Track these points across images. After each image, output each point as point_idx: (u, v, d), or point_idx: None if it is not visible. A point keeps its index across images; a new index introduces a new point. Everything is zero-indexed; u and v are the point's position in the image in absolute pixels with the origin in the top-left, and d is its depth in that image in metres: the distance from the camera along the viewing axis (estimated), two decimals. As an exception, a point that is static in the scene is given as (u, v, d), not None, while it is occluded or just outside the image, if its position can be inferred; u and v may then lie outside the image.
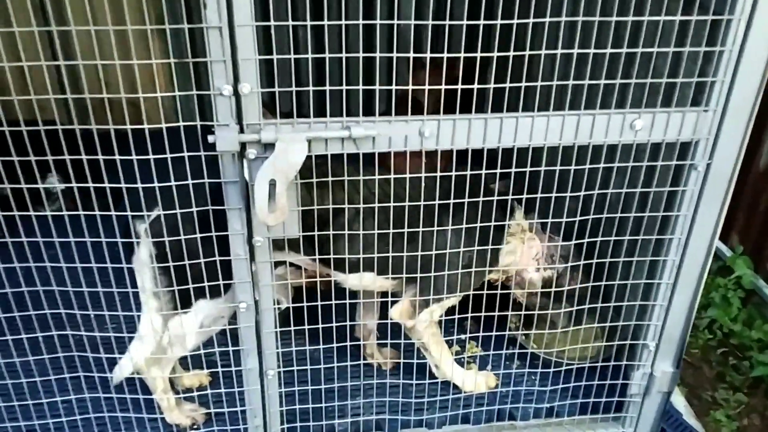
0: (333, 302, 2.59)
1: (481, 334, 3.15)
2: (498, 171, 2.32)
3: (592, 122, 2.17)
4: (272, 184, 2.03)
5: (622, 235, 2.50)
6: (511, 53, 2.04)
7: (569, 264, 2.89)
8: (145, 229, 2.47)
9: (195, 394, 2.90)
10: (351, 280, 2.83)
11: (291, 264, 2.86)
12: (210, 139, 2.00)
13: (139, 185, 2.17)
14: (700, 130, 2.23)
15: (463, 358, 3.25)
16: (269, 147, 2.04)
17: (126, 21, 1.85)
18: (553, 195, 2.33)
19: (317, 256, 2.53)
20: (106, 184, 2.12)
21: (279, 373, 2.56)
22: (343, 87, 2.03)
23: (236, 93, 1.98)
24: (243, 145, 2.05)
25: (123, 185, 2.12)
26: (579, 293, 2.70)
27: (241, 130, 2.04)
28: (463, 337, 3.35)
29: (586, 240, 2.47)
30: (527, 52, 2.05)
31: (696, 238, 2.44)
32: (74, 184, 2.16)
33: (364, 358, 3.27)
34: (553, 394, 2.96)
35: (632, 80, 2.13)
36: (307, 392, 2.73)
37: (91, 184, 2.15)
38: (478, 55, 2.02)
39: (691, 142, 2.27)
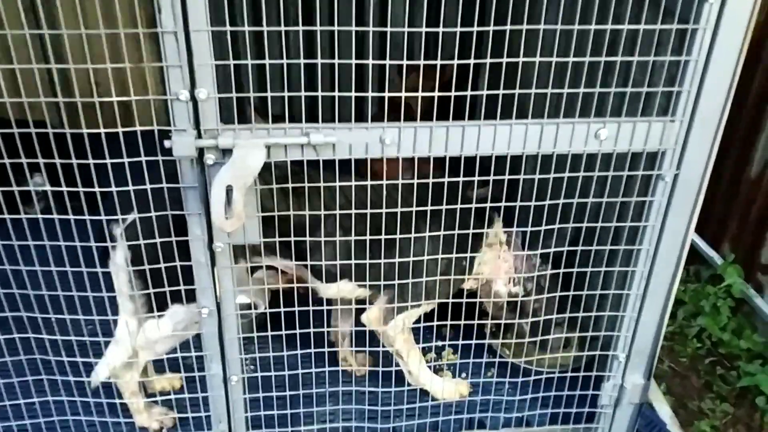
0: (310, 308, 2.56)
1: (460, 342, 3.11)
2: (463, 179, 2.31)
3: (556, 131, 2.15)
4: (230, 190, 2.02)
5: (591, 245, 2.47)
6: (471, 60, 2.02)
7: (539, 280, 2.87)
8: (121, 233, 2.46)
9: (158, 398, 2.87)
10: (329, 290, 2.82)
11: (269, 267, 2.84)
12: (166, 144, 1.98)
13: (114, 189, 2.15)
14: (667, 140, 2.21)
15: (439, 365, 3.23)
16: (228, 152, 2.02)
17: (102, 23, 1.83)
18: (517, 204, 2.31)
19: (294, 263, 2.52)
20: (80, 188, 2.12)
21: (243, 379, 2.55)
22: (312, 93, 2.02)
23: (194, 98, 1.96)
24: (201, 151, 2.04)
25: (96, 189, 2.11)
26: (548, 303, 2.68)
27: (200, 135, 2.02)
28: (440, 343, 3.33)
29: (552, 249, 2.44)
30: (487, 60, 2.02)
31: (665, 249, 2.41)
32: (48, 187, 2.16)
33: (339, 365, 3.25)
34: (525, 404, 2.94)
35: (596, 89, 2.10)
36: (276, 398, 2.71)
37: (64, 188, 2.15)
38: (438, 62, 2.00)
39: (658, 152, 2.24)
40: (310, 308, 2.54)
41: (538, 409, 2.94)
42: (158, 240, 2.25)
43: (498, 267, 3.04)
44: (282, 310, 2.61)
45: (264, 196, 2.26)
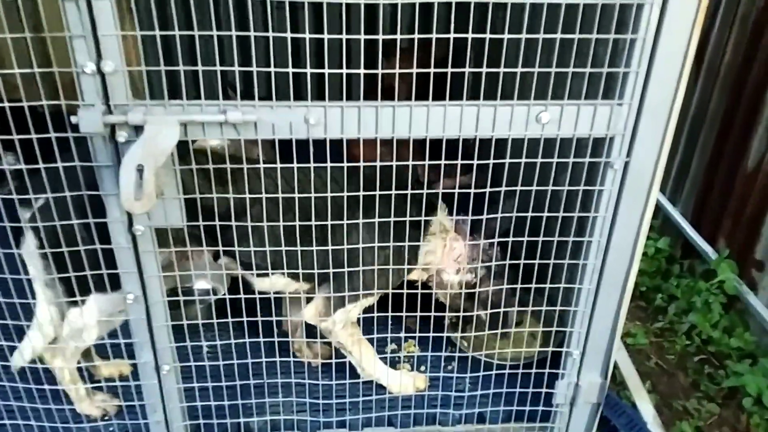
0: (257, 296, 2.45)
1: (417, 334, 3.00)
2: (407, 163, 2.18)
3: (494, 114, 2.01)
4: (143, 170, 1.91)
5: (540, 236, 2.33)
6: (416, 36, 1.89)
7: (490, 265, 2.73)
8: (31, 216, 2.37)
9: (103, 385, 2.78)
10: (262, 284, 2.71)
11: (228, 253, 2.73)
12: (73, 119, 1.87)
13: (20, 166, 2.07)
14: (615, 125, 2.06)
15: (398, 357, 3.12)
16: (141, 130, 1.91)
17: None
18: (456, 191, 2.18)
19: (221, 251, 2.41)
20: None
21: (176, 368, 2.45)
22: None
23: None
24: (113, 127, 1.93)
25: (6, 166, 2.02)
26: (503, 296, 2.55)
27: (110, 112, 1.91)
28: (400, 335, 3.21)
29: (497, 240, 2.30)
30: (434, 36, 1.88)
31: (617, 241, 2.26)
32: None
33: (293, 355, 3.14)
34: (482, 399, 2.81)
35: (534, 69, 1.96)
36: (226, 388, 2.62)
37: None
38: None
39: (606, 137, 2.10)
40: (257, 296, 2.43)
41: (494, 405, 2.80)
42: (67, 222, 2.14)
43: (446, 256, 2.91)
44: (227, 296, 2.52)
45: (193, 180, 2.16)
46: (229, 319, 2.47)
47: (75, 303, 2.47)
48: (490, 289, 2.65)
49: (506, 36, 1.89)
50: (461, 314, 2.81)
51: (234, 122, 1.93)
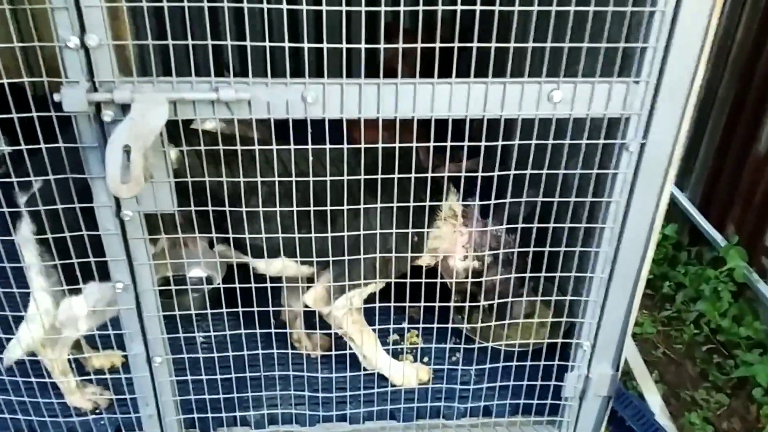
0: (252, 285, 2.33)
1: (421, 324, 2.89)
2: (411, 144, 2.07)
3: (503, 92, 1.89)
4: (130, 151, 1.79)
5: (550, 222, 2.22)
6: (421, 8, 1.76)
7: (499, 253, 2.62)
8: (25, 201, 2.26)
9: (92, 377, 2.67)
10: (271, 268, 2.60)
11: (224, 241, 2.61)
12: (56, 97, 1.76)
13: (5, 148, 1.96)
14: (631, 105, 1.94)
15: (401, 348, 3.01)
16: (128, 108, 1.80)
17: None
18: (462, 174, 2.06)
19: (213, 234, 2.28)
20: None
21: (168, 360, 2.34)
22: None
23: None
24: (99, 106, 1.81)
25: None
26: (511, 285, 2.44)
27: (96, 89, 1.79)
28: (403, 325, 3.10)
29: (504, 226, 2.19)
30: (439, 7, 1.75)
31: (632, 228, 2.14)
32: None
33: (292, 346, 3.03)
34: (488, 392, 2.70)
35: (546, 44, 1.83)
36: (221, 381, 2.52)
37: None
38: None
39: (621, 118, 1.98)
40: (252, 285, 2.32)
41: (500, 398, 2.70)
42: (60, 207, 2.03)
43: (454, 242, 2.80)
44: (221, 286, 2.40)
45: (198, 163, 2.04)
46: (224, 309, 2.36)
47: (68, 293, 2.36)
48: (497, 278, 2.53)
49: (516, 8, 1.77)
50: (467, 304, 2.68)
51: (226, 100, 1.81)
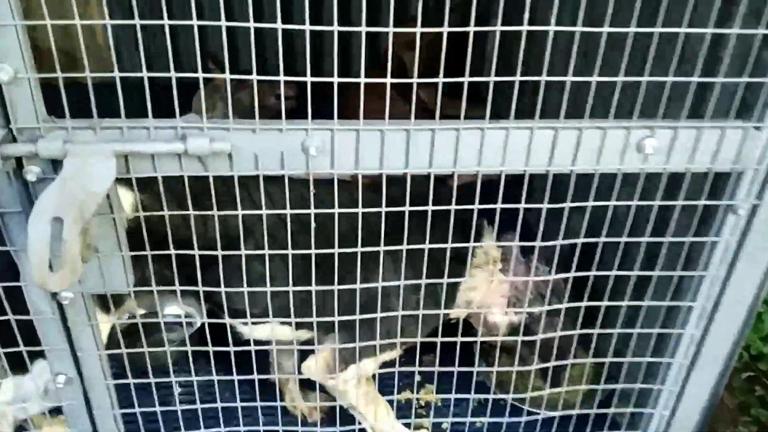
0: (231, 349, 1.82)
1: (436, 368, 2.38)
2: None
3: (578, 139, 1.38)
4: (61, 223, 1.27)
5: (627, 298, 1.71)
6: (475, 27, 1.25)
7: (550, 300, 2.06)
8: None
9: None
10: (256, 333, 2.09)
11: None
12: (-44, 151, 1.24)
13: None
14: (746, 157, 1.43)
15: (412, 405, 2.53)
16: (60, 164, 1.28)
17: None
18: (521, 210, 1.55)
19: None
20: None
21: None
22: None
23: (-2, 80, 1.21)
24: (20, 161, 1.30)
25: None
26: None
27: (14, 138, 1.28)
28: (417, 377, 2.62)
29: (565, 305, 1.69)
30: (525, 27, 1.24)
31: (727, 306, 1.65)
32: None
33: (284, 408, 2.53)
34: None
35: (643, 78, 1.32)
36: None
37: None
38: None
39: (731, 173, 1.48)
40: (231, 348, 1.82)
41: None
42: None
43: (492, 292, 2.28)
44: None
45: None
46: (193, 378, 1.85)
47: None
48: (557, 335, 1.98)
49: (605, 29, 1.25)
50: (515, 369, 2.13)
51: (198, 154, 1.29)
